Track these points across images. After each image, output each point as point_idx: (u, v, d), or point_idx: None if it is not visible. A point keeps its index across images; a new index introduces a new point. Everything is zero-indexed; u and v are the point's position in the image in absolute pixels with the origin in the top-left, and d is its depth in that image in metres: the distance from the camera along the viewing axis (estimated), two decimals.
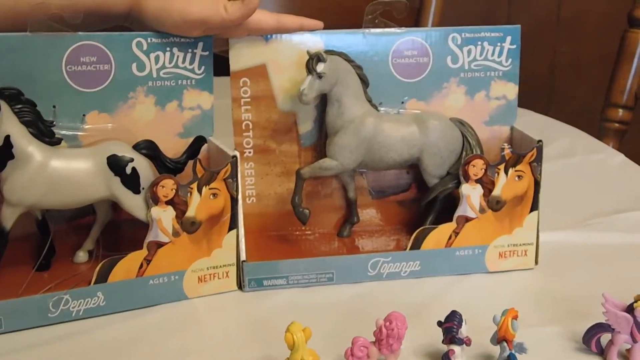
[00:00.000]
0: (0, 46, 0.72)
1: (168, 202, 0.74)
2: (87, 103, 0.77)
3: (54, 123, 0.75)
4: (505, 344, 0.65)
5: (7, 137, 0.71)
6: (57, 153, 0.74)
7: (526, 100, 0.89)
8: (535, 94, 1.25)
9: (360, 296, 0.79)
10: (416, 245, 0.82)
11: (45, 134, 0.73)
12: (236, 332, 0.73)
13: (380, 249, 0.86)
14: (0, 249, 0.74)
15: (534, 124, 0.96)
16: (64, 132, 0.76)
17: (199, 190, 0.75)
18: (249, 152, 0.85)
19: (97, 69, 0.76)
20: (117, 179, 0.75)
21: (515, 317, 0.65)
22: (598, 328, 0.68)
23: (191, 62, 0.80)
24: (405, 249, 0.82)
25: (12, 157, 0.72)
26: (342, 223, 0.89)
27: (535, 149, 0.81)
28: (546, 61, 1.97)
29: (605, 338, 0.68)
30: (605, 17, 1.93)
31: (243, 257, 0.79)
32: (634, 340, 0.66)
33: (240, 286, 0.80)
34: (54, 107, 0.75)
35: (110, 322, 0.73)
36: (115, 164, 0.75)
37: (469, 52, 0.86)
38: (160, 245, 0.75)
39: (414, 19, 1.57)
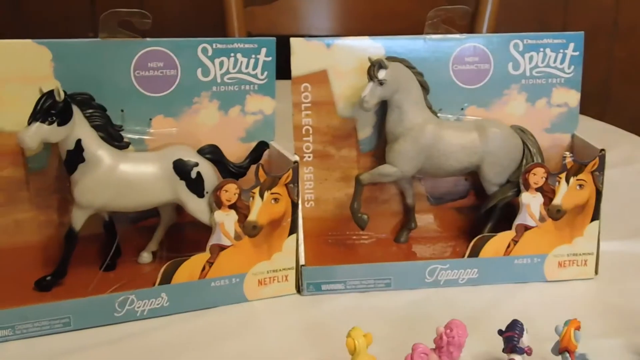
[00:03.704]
0: (73, 52, 0.75)
1: (231, 206, 0.76)
2: (154, 107, 0.79)
3: (122, 127, 0.77)
4: (567, 354, 0.64)
5: (79, 141, 0.73)
6: (125, 157, 0.76)
7: (581, 105, 0.88)
8: (591, 100, 1.23)
9: (418, 302, 0.79)
10: (474, 253, 0.82)
11: (114, 138, 0.75)
12: (295, 335, 0.73)
13: (437, 255, 0.86)
14: (71, 250, 0.76)
15: (592, 131, 0.95)
16: (130, 135, 0.78)
17: (261, 195, 0.76)
18: (309, 157, 0.86)
19: (163, 74, 0.78)
20: (183, 183, 0.76)
21: (577, 328, 0.64)
22: None
23: (254, 68, 0.81)
24: (461, 256, 0.82)
25: (82, 160, 0.74)
26: (400, 229, 0.89)
27: (597, 158, 0.80)
28: (602, 67, 1.94)
29: None
30: None
31: (302, 261, 0.80)
32: None
33: (298, 290, 0.81)
34: (122, 111, 0.77)
35: (173, 323, 0.75)
36: (181, 168, 0.76)
37: (531, 58, 0.85)
38: (222, 248, 0.76)
39: (469, 23, 1.56)
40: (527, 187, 0.81)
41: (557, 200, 0.81)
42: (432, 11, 0.83)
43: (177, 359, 0.70)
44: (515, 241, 0.82)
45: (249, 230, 0.77)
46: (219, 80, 0.80)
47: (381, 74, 0.80)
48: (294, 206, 0.78)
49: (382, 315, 0.77)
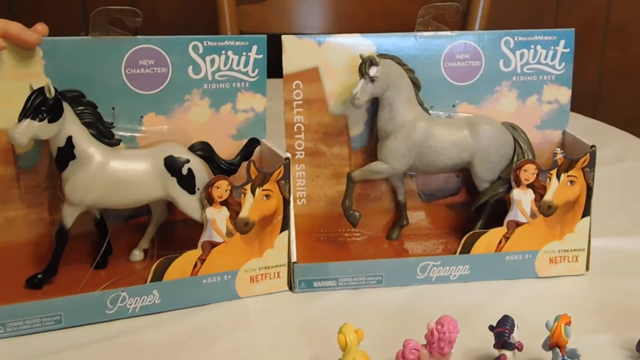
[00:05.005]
0: (63, 50, 0.75)
1: (222, 203, 0.76)
2: (145, 105, 0.78)
3: (113, 124, 0.76)
4: (557, 350, 0.64)
5: (70, 138, 0.73)
6: (116, 154, 0.76)
7: (573, 104, 0.88)
8: (583, 98, 1.23)
9: (410, 299, 0.80)
10: (466, 250, 0.82)
11: (105, 135, 0.75)
12: (287, 332, 0.74)
13: (429, 252, 0.86)
14: (61, 247, 0.76)
15: (583, 128, 0.96)
16: (122, 133, 0.77)
17: (253, 192, 0.76)
18: (300, 155, 0.86)
19: (154, 72, 0.78)
20: (174, 180, 0.76)
21: (568, 323, 0.64)
22: None
23: (245, 65, 0.81)
24: (453, 253, 0.83)
25: (73, 157, 0.74)
26: (391, 226, 0.89)
27: (588, 154, 0.81)
28: (594, 65, 1.94)
29: None
30: None
31: (294, 258, 0.80)
32: None
33: (290, 287, 0.81)
34: (113, 109, 0.77)
35: (165, 320, 0.75)
36: (172, 165, 0.76)
37: (522, 55, 0.86)
38: (214, 245, 0.76)
39: (461, 22, 1.56)
40: (518, 183, 0.81)
41: (548, 197, 0.81)
42: (423, 8, 0.84)
43: (169, 357, 0.70)
44: (506, 237, 0.82)
45: (240, 227, 0.77)
46: (210, 77, 0.80)
47: (372, 71, 0.80)
48: (286, 203, 0.78)
49: (374, 311, 0.77)
